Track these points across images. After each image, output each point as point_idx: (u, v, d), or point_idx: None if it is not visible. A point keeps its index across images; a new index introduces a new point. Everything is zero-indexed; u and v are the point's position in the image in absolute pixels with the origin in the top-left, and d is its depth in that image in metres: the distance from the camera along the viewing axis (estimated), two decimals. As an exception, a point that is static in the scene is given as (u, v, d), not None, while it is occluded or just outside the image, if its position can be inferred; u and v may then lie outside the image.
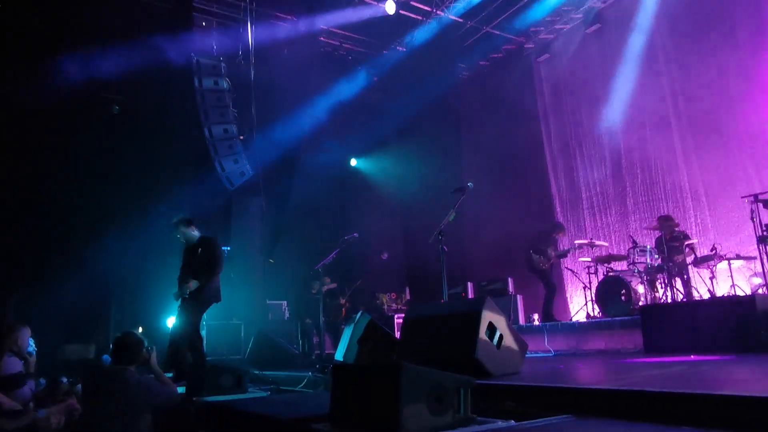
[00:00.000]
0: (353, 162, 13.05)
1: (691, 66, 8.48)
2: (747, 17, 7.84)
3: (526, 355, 4.37)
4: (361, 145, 12.27)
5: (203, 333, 6.27)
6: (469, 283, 9.90)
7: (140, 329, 8.21)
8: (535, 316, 8.83)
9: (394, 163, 12.71)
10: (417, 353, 4.31)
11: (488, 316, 4.01)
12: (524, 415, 2.70)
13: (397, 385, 2.14)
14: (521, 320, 8.43)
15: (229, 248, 9.19)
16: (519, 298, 8.69)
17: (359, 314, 5.38)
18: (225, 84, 8.81)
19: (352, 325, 5.26)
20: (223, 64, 8.83)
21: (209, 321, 8.14)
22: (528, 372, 4.15)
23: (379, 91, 11.78)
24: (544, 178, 11.15)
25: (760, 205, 6.27)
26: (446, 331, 4.23)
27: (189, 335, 5.38)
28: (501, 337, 4.04)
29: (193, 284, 5.30)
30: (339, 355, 5.38)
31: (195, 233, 5.72)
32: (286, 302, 9.99)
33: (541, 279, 8.68)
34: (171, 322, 7.70)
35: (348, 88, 11.00)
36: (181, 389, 4.58)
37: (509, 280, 9.22)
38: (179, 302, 5.49)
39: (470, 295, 9.68)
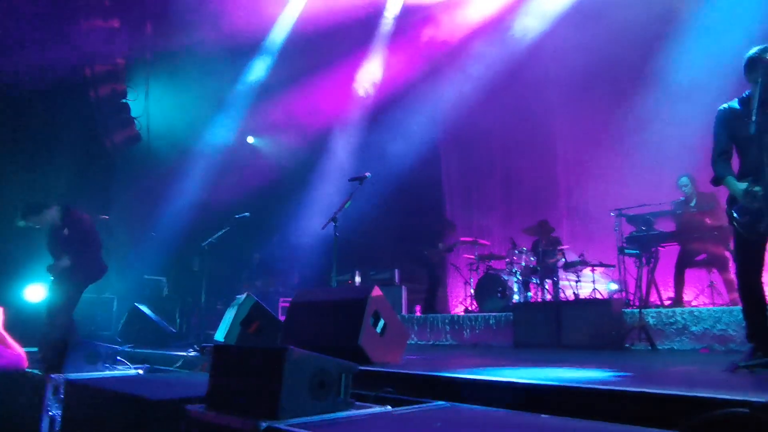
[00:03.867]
0: (250, 139, 12.65)
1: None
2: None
3: (408, 344, 4.52)
4: (260, 122, 11.94)
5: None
6: (357, 271, 10.03)
7: None
8: (418, 308, 9.15)
9: (291, 146, 12.49)
10: (301, 337, 4.30)
11: (374, 305, 4.09)
12: (402, 402, 2.80)
13: (280, 369, 2.11)
14: (404, 310, 8.69)
15: (107, 217, 8.54)
16: (404, 289, 8.94)
17: (244, 295, 5.25)
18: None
19: (236, 306, 5.12)
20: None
21: (77, 294, 7.53)
22: (408, 360, 4.30)
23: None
24: (437, 177, 11.60)
25: (623, 219, 6.96)
26: (332, 316, 4.26)
27: (60, 311, 5.04)
28: (385, 325, 4.13)
29: (63, 262, 4.99)
30: (220, 336, 5.22)
31: (54, 214, 5.29)
32: (165, 278, 9.50)
33: (427, 272, 9.01)
34: (32, 291, 7.05)
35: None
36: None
37: (396, 271, 9.46)
38: (52, 277, 5.14)
39: (358, 284, 9.81)
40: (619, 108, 8.31)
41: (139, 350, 5.78)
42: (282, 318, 6.09)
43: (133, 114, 9.08)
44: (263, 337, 5.08)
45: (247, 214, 7.93)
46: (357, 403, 2.55)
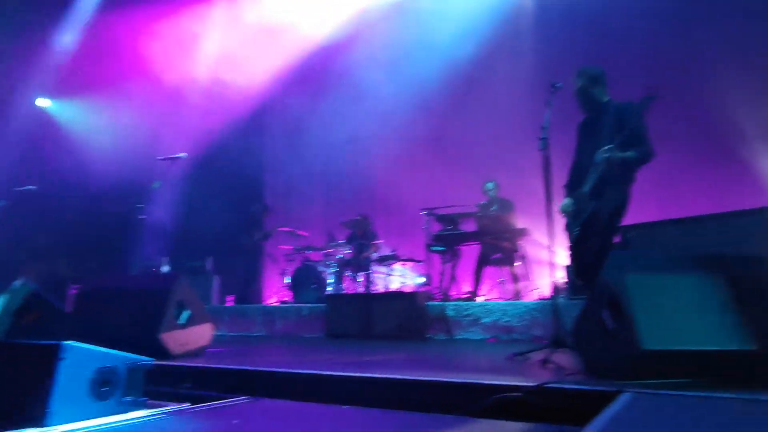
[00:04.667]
0: (42, 102, 10.99)
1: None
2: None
3: (215, 336, 4.31)
4: (61, 85, 10.46)
5: None
6: (166, 258, 9.32)
7: None
8: (231, 298, 8.83)
9: (96, 114, 11.14)
10: (92, 330, 3.84)
11: (178, 294, 3.82)
12: (203, 398, 2.63)
13: (52, 367, 1.83)
14: (215, 300, 8.32)
15: None
16: (216, 278, 8.55)
17: (20, 282, 4.52)
18: None
19: (8, 294, 4.39)
20: None
21: None
22: (213, 353, 4.09)
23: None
24: (260, 166, 11.36)
25: (433, 217, 7.48)
26: (130, 307, 3.89)
27: None
28: (189, 316, 3.89)
29: None
30: (-16, 329, 4.43)
31: None
32: None
33: (243, 261, 8.74)
34: None
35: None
36: None
37: (209, 259, 9.00)
38: None
39: (165, 271, 9.13)
40: (431, 111, 8.92)
41: None
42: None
43: None
44: (43, 331, 4.43)
45: (33, 187, 6.89)
46: (150, 401, 2.35)
